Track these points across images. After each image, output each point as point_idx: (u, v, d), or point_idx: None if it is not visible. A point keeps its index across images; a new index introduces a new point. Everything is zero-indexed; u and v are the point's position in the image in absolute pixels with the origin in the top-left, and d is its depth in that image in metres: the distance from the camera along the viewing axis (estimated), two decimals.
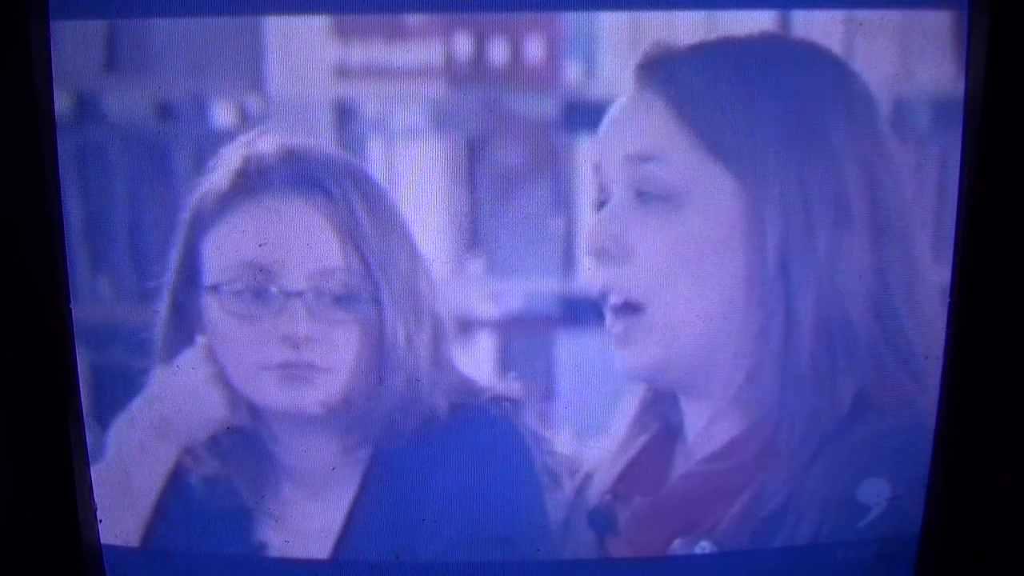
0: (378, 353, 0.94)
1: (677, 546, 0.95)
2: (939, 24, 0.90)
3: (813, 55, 0.90)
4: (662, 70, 0.89)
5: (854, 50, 0.90)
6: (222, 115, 0.92)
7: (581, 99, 0.91)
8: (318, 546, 0.98)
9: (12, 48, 0.87)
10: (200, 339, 0.95)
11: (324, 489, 0.97)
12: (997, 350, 0.92)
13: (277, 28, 0.90)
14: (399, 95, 0.91)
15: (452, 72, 0.90)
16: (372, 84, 0.91)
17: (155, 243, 0.93)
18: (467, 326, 0.95)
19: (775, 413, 0.92)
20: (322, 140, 0.92)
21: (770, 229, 0.89)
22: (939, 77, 0.91)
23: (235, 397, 0.95)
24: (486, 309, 0.95)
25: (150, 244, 0.93)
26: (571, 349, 0.94)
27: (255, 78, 0.91)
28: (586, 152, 0.91)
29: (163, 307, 0.94)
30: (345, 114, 0.92)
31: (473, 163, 0.92)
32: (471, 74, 0.90)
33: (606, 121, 0.90)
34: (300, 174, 0.92)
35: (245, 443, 0.96)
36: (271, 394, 0.94)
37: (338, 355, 0.93)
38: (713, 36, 0.89)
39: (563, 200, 0.92)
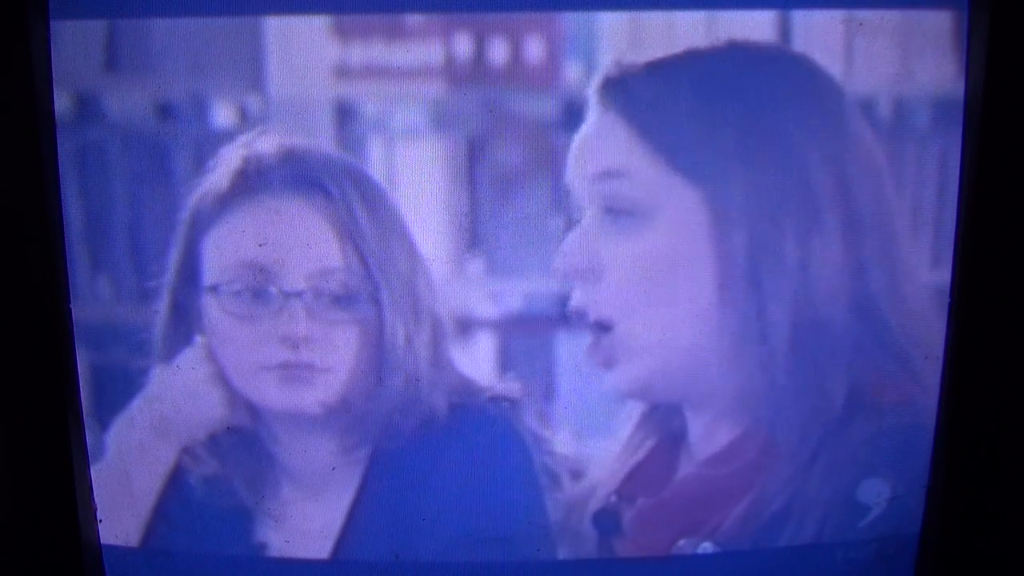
0: (377, 353, 0.94)
1: (680, 547, 0.95)
2: (939, 24, 0.90)
3: (777, 59, 0.90)
4: (620, 89, 0.89)
5: (854, 50, 0.90)
6: (222, 115, 0.92)
7: (581, 99, 0.91)
8: (318, 546, 0.98)
9: (12, 48, 0.87)
10: (200, 339, 0.95)
11: (324, 489, 0.97)
12: (997, 350, 0.92)
13: (277, 28, 0.90)
14: (399, 95, 0.91)
15: (452, 72, 0.90)
16: (372, 84, 0.91)
17: (155, 243, 0.93)
18: (467, 326, 0.95)
19: (769, 417, 0.92)
20: (322, 140, 0.92)
21: (736, 238, 0.89)
22: (939, 77, 0.91)
23: (235, 397, 0.95)
24: (486, 309, 0.95)
25: (150, 244, 0.93)
26: (571, 349, 0.94)
27: (255, 78, 0.91)
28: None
29: (163, 307, 0.94)
30: (345, 114, 0.92)
31: (473, 163, 0.92)
32: (471, 74, 0.90)
33: (576, 141, 0.90)
34: (300, 174, 0.92)
35: (245, 443, 0.96)
36: (270, 394, 0.94)
37: (337, 355, 0.93)
38: (676, 50, 0.89)
39: (563, 200, 0.92)
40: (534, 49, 0.90)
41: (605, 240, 0.90)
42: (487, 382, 0.95)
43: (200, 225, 0.93)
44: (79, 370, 0.93)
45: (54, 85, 0.90)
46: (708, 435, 0.94)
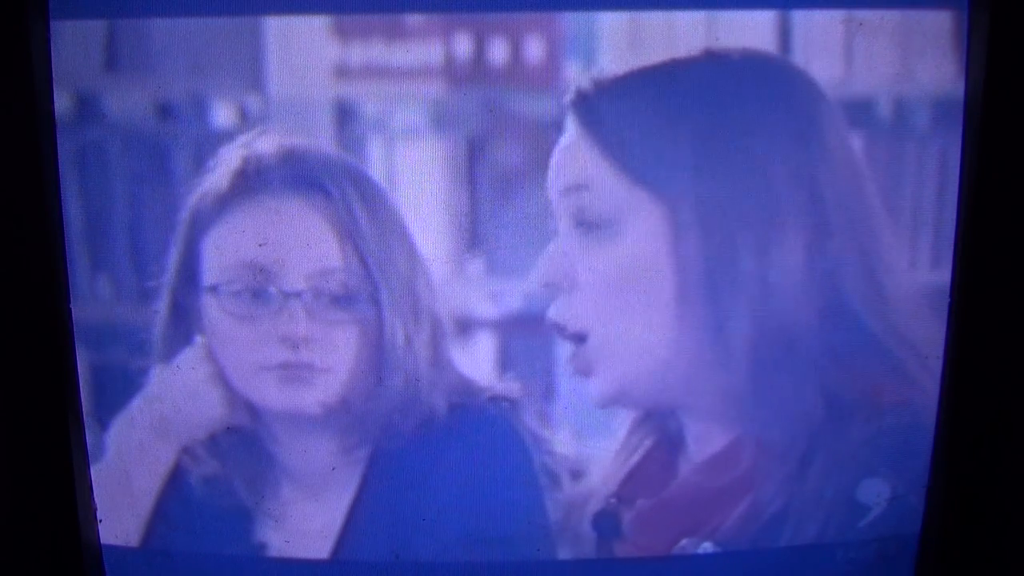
0: (377, 353, 0.94)
1: (680, 548, 0.95)
2: (939, 24, 0.90)
3: (755, 67, 0.90)
4: (586, 105, 0.89)
5: (854, 50, 0.90)
6: (222, 115, 0.92)
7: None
8: (318, 546, 0.98)
9: (12, 48, 0.87)
10: (199, 339, 0.95)
11: (324, 489, 0.97)
12: (997, 350, 0.92)
13: (277, 28, 0.90)
14: (399, 95, 0.91)
15: (452, 72, 0.90)
16: (372, 84, 0.91)
17: (155, 243, 0.93)
18: (466, 326, 0.95)
19: (759, 419, 0.92)
20: (322, 140, 0.92)
21: (704, 250, 0.89)
22: (939, 77, 0.91)
23: (234, 397, 0.95)
24: (485, 309, 0.95)
25: (150, 244, 0.93)
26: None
27: (255, 78, 0.91)
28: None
29: (163, 307, 0.94)
30: (345, 114, 0.92)
31: (473, 163, 0.92)
32: (471, 74, 0.90)
33: (554, 153, 0.91)
34: (299, 174, 0.92)
35: (245, 443, 0.96)
36: (270, 394, 0.94)
37: (337, 355, 0.93)
38: (648, 62, 0.89)
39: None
40: (534, 49, 0.90)
41: (577, 252, 0.91)
42: (487, 382, 0.95)
43: (200, 225, 0.93)
44: (79, 370, 0.93)
45: (54, 85, 0.90)
46: (704, 437, 0.94)
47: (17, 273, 0.90)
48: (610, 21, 0.90)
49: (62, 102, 0.91)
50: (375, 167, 0.92)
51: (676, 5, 0.90)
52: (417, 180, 0.92)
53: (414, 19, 0.90)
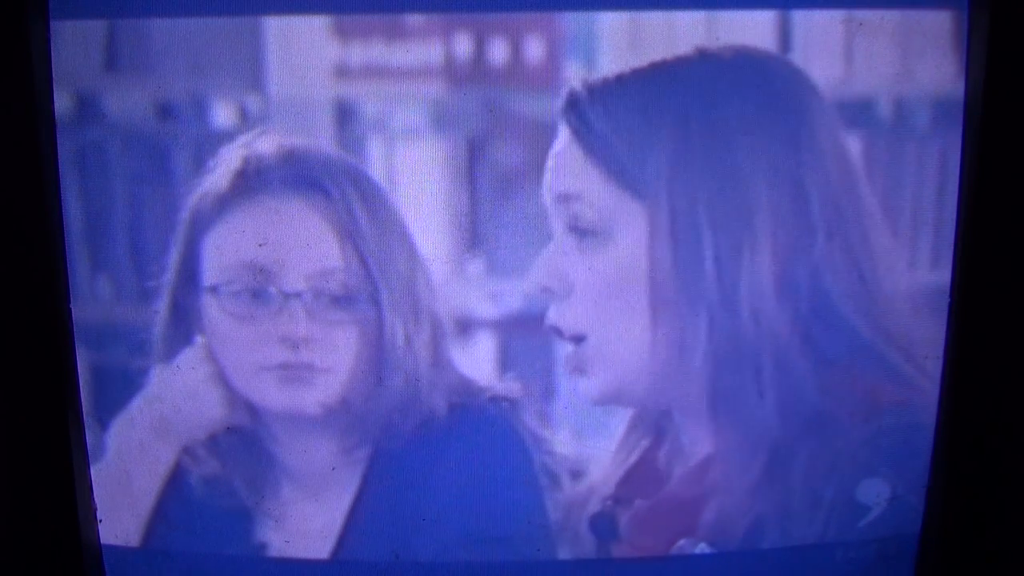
0: (377, 353, 0.94)
1: (678, 548, 0.95)
2: (939, 24, 0.90)
3: (749, 67, 0.90)
4: (577, 110, 0.89)
5: (854, 50, 0.90)
6: (222, 115, 0.92)
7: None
8: (318, 546, 0.98)
9: (12, 48, 0.87)
10: (199, 339, 0.95)
11: (324, 489, 0.97)
12: (997, 350, 0.92)
13: (277, 28, 0.90)
14: (399, 95, 0.91)
15: (452, 72, 0.90)
16: (372, 84, 0.91)
17: (155, 243, 0.93)
18: (466, 326, 0.95)
19: (750, 420, 0.92)
20: (322, 140, 0.92)
21: (690, 254, 0.89)
22: (939, 77, 0.91)
23: (234, 397, 0.95)
24: (485, 309, 0.95)
25: (150, 244, 0.93)
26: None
27: (255, 78, 0.91)
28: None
29: (163, 307, 0.94)
30: (345, 114, 0.91)
31: (473, 163, 0.92)
32: (471, 74, 0.90)
33: (549, 158, 0.91)
34: (299, 174, 0.92)
35: (245, 443, 0.96)
36: (270, 394, 0.94)
37: (337, 356, 0.93)
38: (641, 64, 0.89)
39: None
40: (534, 49, 0.90)
41: (571, 258, 0.91)
42: (487, 382, 0.95)
43: (200, 225, 0.93)
44: (79, 370, 0.93)
45: (54, 85, 0.90)
46: (699, 438, 0.94)
47: (17, 273, 0.90)
48: (610, 21, 0.90)
49: (62, 102, 0.90)
50: (375, 167, 0.92)
51: (676, 5, 0.90)
52: (417, 180, 0.92)
53: (414, 19, 0.90)
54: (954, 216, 0.92)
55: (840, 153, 0.91)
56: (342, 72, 0.90)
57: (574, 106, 0.89)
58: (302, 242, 0.92)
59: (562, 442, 0.96)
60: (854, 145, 0.92)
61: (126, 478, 0.96)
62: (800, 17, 0.90)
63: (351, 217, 0.92)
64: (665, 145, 0.89)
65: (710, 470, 0.94)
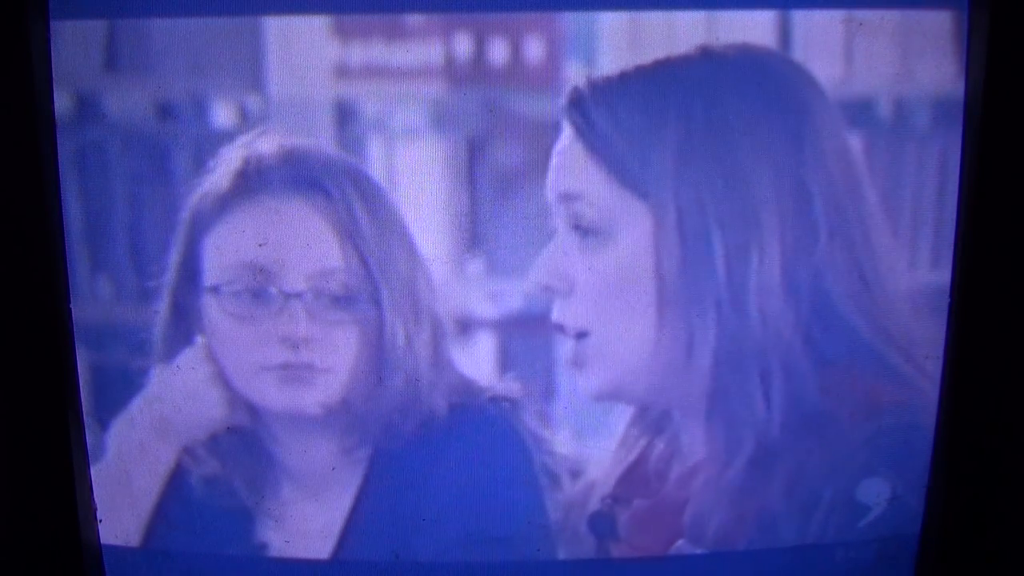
0: (377, 353, 0.94)
1: (676, 548, 0.95)
2: (939, 24, 0.90)
3: (752, 65, 0.90)
4: (580, 108, 0.89)
5: (854, 50, 0.90)
6: (222, 115, 0.92)
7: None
8: (318, 546, 0.98)
9: (12, 48, 0.87)
10: (200, 339, 0.95)
11: (324, 489, 0.97)
12: (997, 350, 0.92)
13: (277, 28, 0.90)
14: (399, 95, 0.91)
15: (452, 72, 0.90)
16: (372, 84, 0.91)
17: (155, 243, 0.93)
18: (466, 326, 0.95)
19: (753, 419, 0.92)
20: (322, 140, 0.92)
21: (692, 253, 0.89)
22: (939, 77, 0.91)
23: (235, 397, 0.95)
24: (486, 309, 0.95)
25: (150, 244, 0.93)
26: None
27: (255, 78, 0.91)
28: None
29: (163, 307, 0.94)
30: (345, 114, 0.92)
31: (473, 163, 0.92)
32: (471, 74, 0.90)
33: (552, 156, 0.91)
34: (300, 175, 0.92)
35: (245, 443, 0.96)
36: (270, 395, 0.94)
37: (337, 356, 0.93)
38: (644, 62, 0.89)
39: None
40: (534, 49, 0.90)
41: (574, 256, 0.91)
42: (487, 382, 0.95)
43: (200, 225, 0.93)
44: (79, 370, 0.93)
45: (54, 85, 0.90)
46: (698, 438, 0.94)
47: (17, 273, 0.90)
48: (610, 21, 0.90)
49: (62, 102, 0.90)
50: (375, 167, 0.92)
51: (676, 5, 0.90)
52: (417, 180, 0.92)
53: (414, 19, 0.90)
54: (954, 216, 0.92)
55: (843, 152, 0.91)
56: (342, 72, 0.90)
57: (577, 104, 0.89)
58: (302, 242, 0.92)
59: (562, 442, 0.96)
60: (854, 145, 0.92)
61: (126, 478, 0.96)
62: (800, 17, 0.90)
63: (351, 217, 0.92)
64: (669, 144, 0.89)
65: (711, 470, 0.94)
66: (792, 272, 0.90)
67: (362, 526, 0.97)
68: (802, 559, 0.96)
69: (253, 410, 0.95)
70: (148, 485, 0.97)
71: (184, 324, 0.94)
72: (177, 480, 0.97)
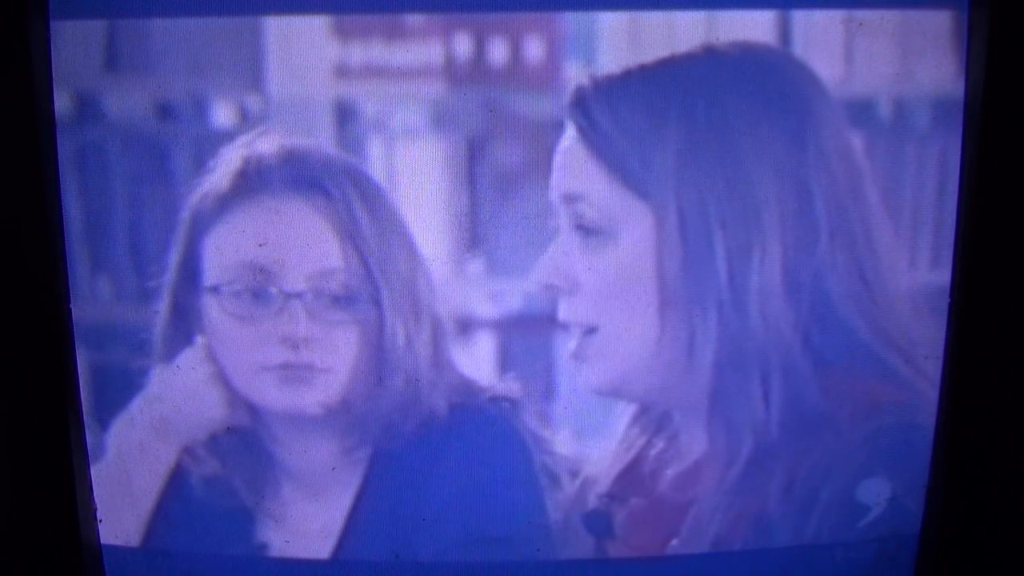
0: (377, 354, 0.94)
1: (673, 547, 0.95)
2: (939, 24, 0.90)
3: (750, 61, 0.90)
4: (583, 107, 0.89)
5: (854, 50, 0.90)
6: (222, 115, 0.92)
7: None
8: (318, 546, 0.98)
9: (12, 48, 0.87)
10: (200, 339, 0.95)
11: (324, 489, 0.97)
12: (997, 350, 0.92)
13: (277, 28, 0.90)
14: (399, 95, 0.91)
15: (452, 72, 0.90)
16: (372, 84, 0.91)
17: (155, 243, 0.93)
18: (467, 326, 0.95)
19: (754, 419, 0.92)
20: (322, 140, 0.92)
21: (697, 252, 0.89)
22: (939, 77, 0.91)
23: (235, 397, 0.95)
24: (486, 309, 0.95)
25: (150, 244, 0.93)
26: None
27: (255, 78, 0.91)
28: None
29: (163, 307, 0.94)
30: (345, 114, 0.92)
31: (473, 163, 0.92)
32: (471, 74, 0.90)
33: (556, 155, 0.91)
34: (300, 175, 0.92)
35: (245, 443, 0.96)
36: (270, 395, 0.94)
37: (337, 356, 0.93)
38: (648, 60, 0.89)
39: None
40: (534, 49, 0.90)
41: (576, 255, 0.91)
42: (487, 382, 0.95)
43: (200, 225, 0.93)
44: (79, 370, 0.93)
45: (54, 85, 0.90)
46: (698, 438, 0.94)
47: (17, 273, 0.90)
48: (610, 21, 0.90)
49: (62, 102, 0.90)
50: (375, 167, 0.92)
51: (676, 5, 0.90)
52: (417, 180, 0.92)
53: (414, 19, 0.90)
54: (954, 216, 0.92)
55: (845, 151, 0.91)
56: (342, 72, 0.90)
57: (580, 103, 0.89)
58: (302, 242, 0.92)
59: (562, 442, 0.96)
60: (855, 144, 0.92)
61: (126, 478, 0.96)
62: (800, 17, 0.90)
63: (351, 217, 0.92)
64: (671, 144, 0.89)
65: (709, 470, 0.94)
66: (793, 272, 0.90)
67: (362, 526, 0.97)
68: (802, 559, 0.96)
69: (253, 410, 0.95)
70: (148, 485, 0.97)
71: (184, 324, 0.94)
72: (177, 480, 0.97)
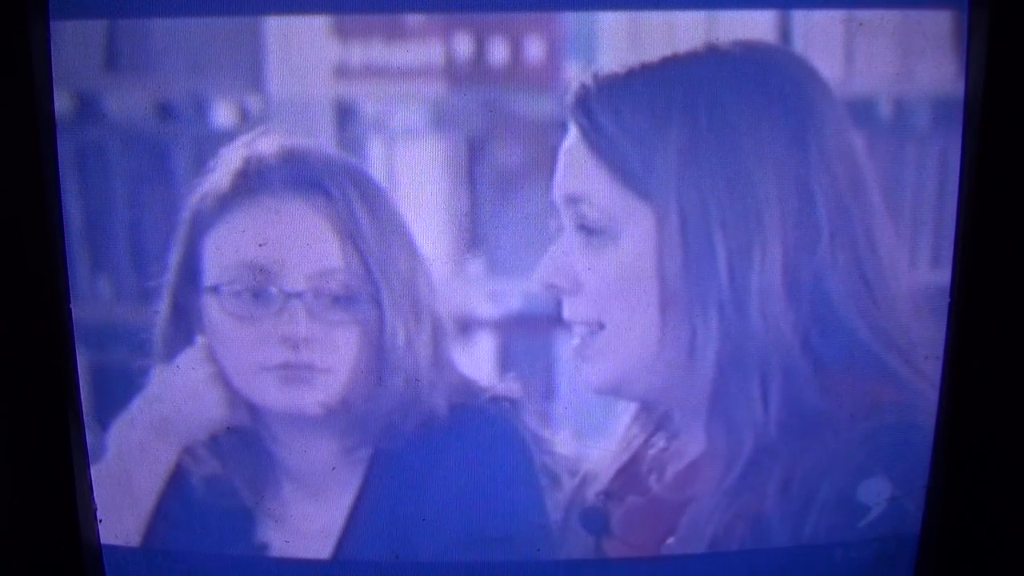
0: (378, 354, 0.94)
1: (670, 547, 0.95)
2: (939, 24, 0.90)
3: (753, 60, 0.90)
4: (586, 106, 0.89)
5: (854, 50, 0.90)
6: (222, 115, 0.92)
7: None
8: (318, 546, 0.98)
9: (12, 48, 0.87)
10: (200, 339, 0.95)
11: (324, 489, 0.97)
12: (997, 350, 0.92)
13: (277, 28, 0.90)
14: (399, 95, 0.91)
15: (452, 72, 0.90)
16: (372, 84, 0.91)
17: (155, 243, 0.93)
18: (467, 326, 0.95)
19: (753, 419, 0.92)
20: (322, 140, 0.92)
21: (698, 253, 0.89)
22: (939, 77, 0.91)
23: (235, 397, 0.95)
24: (486, 309, 0.95)
25: (150, 244, 0.93)
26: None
27: (255, 78, 0.91)
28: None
29: (163, 307, 0.94)
30: (345, 114, 0.92)
31: (473, 163, 0.92)
32: (471, 74, 0.90)
33: (559, 156, 0.91)
34: (300, 174, 0.92)
35: (245, 443, 0.96)
36: (271, 395, 0.94)
37: (338, 356, 0.93)
38: (663, 53, 0.89)
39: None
40: (534, 49, 0.90)
41: (577, 255, 0.91)
42: (487, 382, 0.95)
43: (200, 225, 0.93)
44: (79, 370, 0.93)
45: (54, 85, 0.90)
46: (697, 437, 0.94)
47: (17, 273, 0.90)
48: (610, 21, 0.90)
49: (62, 102, 0.90)
50: (375, 167, 0.92)
51: (676, 5, 0.90)
52: (417, 180, 0.92)
53: (414, 19, 0.90)
54: (954, 216, 0.92)
55: (846, 150, 0.91)
56: (342, 72, 0.91)
57: (582, 103, 0.89)
58: (303, 242, 0.92)
59: (562, 442, 0.96)
60: (856, 144, 0.92)
61: (126, 478, 0.96)
62: (800, 17, 0.90)
63: (351, 217, 0.92)
64: (672, 145, 0.89)
65: (708, 469, 0.94)
66: (793, 272, 0.90)
67: (362, 526, 0.97)
68: (801, 559, 0.96)
69: (253, 410, 0.95)
70: (148, 485, 0.97)
71: (184, 324, 0.94)
72: (177, 480, 0.97)
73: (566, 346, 0.94)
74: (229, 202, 0.92)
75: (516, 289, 0.94)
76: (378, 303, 0.93)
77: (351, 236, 0.92)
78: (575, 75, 0.90)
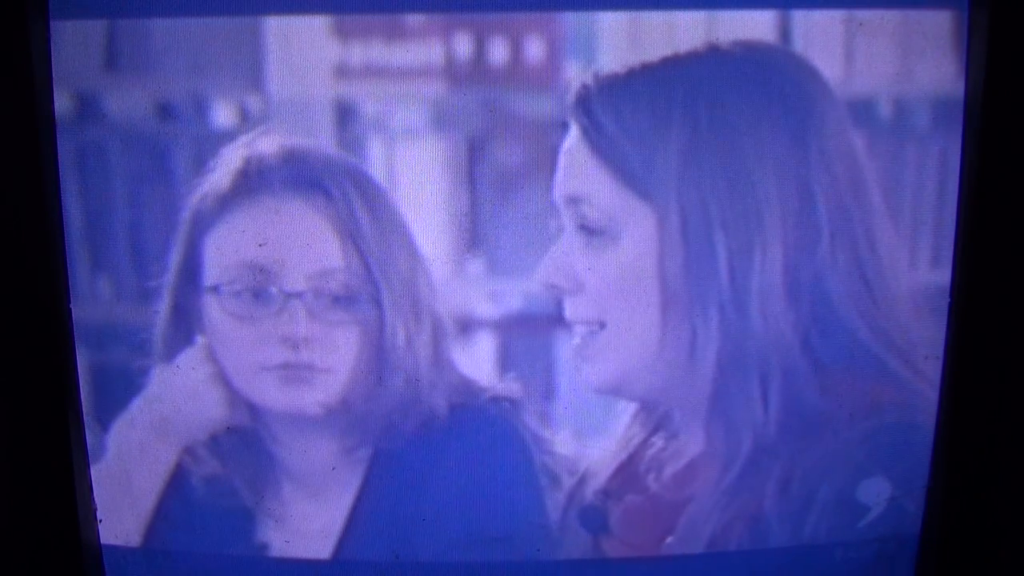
0: (378, 354, 0.94)
1: (669, 547, 0.95)
2: (939, 24, 0.90)
3: (754, 60, 0.90)
4: (587, 106, 0.89)
5: (854, 50, 0.90)
6: (222, 115, 0.92)
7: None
8: (318, 546, 0.98)
9: (12, 48, 0.87)
10: (200, 339, 0.95)
11: (324, 489, 0.97)
12: (997, 350, 0.92)
13: (277, 28, 0.90)
14: (399, 95, 0.91)
15: (452, 72, 0.90)
16: (372, 84, 0.91)
17: (155, 243, 0.93)
18: (467, 326, 0.95)
19: (753, 419, 0.92)
20: (322, 140, 0.92)
21: (698, 253, 0.89)
22: (939, 77, 0.91)
23: (235, 397, 0.95)
24: (486, 309, 0.95)
25: (150, 244, 0.93)
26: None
27: (255, 78, 0.91)
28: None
29: (163, 307, 0.94)
30: (345, 114, 0.92)
31: (473, 163, 0.92)
32: (471, 74, 0.90)
33: (560, 156, 0.91)
34: (300, 174, 0.92)
35: (245, 443, 0.96)
36: (271, 395, 0.94)
37: (338, 356, 0.93)
38: (651, 59, 0.89)
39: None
40: (534, 49, 0.90)
41: (578, 255, 0.91)
42: (487, 382, 0.95)
43: (201, 225, 0.93)
44: (79, 370, 0.93)
45: (54, 85, 0.90)
46: (697, 437, 0.94)
47: (17, 273, 0.90)
48: (610, 21, 0.90)
49: (62, 102, 0.90)
50: (375, 167, 0.92)
51: (676, 5, 0.90)
52: (417, 180, 0.92)
53: (414, 19, 0.90)
54: (954, 216, 0.92)
55: (847, 150, 0.91)
56: (342, 72, 0.91)
57: (583, 103, 0.89)
58: (303, 242, 0.92)
59: (562, 442, 0.96)
60: (856, 144, 0.92)
61: (126, 478, 0.96)
62: (800, 17, 0.90)
63: (352, 217, 0.92)
64: (673, 145, 0.89)
65: (707, 469, 0.94)
66: (794, 272, 0.90)
67: (362, 526, 0.97)
68: (801, 559, 0.96)
69: (253, 410, 0.95)
70: (148, 485, 0.97)
71: (184, 324, 0.94)
72: (177, 480, 0.97)
73: (566, 346, 0.94)
74: (229, 202, 0.92)
75: (516, 289, 0.94)
76: (378, 303, 0.93)
77: (351, 236, 0.92)
78: (575, 75, 0.90)
